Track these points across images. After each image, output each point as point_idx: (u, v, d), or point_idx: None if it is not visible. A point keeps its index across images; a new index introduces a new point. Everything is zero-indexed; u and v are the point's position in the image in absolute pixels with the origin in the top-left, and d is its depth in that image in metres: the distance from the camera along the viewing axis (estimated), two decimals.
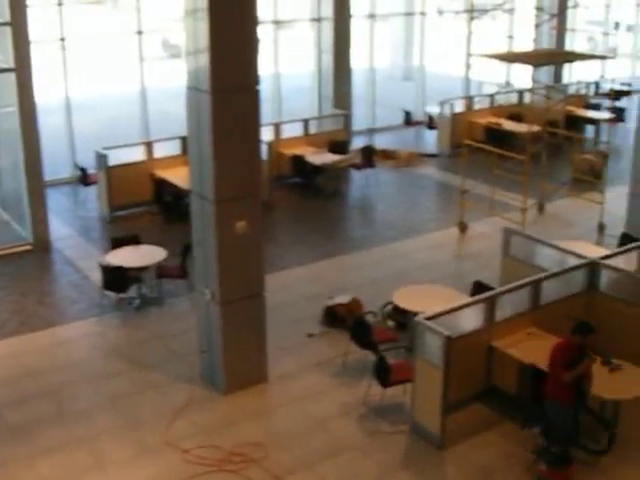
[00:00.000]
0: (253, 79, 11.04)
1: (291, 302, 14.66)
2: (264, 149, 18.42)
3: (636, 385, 10.88)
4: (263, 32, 21.47)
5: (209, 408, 11.66)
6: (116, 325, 14.07)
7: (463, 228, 18.22)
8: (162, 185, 18.79)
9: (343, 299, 13.98)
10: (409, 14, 31.82)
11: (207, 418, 11.44)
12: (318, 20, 24.25)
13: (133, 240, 15.33)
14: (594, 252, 13.71)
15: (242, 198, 11.29)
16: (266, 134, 19.04)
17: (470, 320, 11.44)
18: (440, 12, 35.12)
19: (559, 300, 12.42)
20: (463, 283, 13.98)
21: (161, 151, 19.39)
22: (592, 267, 12.71)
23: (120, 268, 14.32)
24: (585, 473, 10.33)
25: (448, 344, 10.40)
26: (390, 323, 13.49)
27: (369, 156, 21.70)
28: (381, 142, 24.68)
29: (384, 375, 11.39)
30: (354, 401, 11.81)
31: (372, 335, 12.37)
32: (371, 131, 26.30)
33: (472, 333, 11.38)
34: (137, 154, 19.21)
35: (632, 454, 10.76)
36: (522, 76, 25.56)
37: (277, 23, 24.51)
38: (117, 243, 15.25)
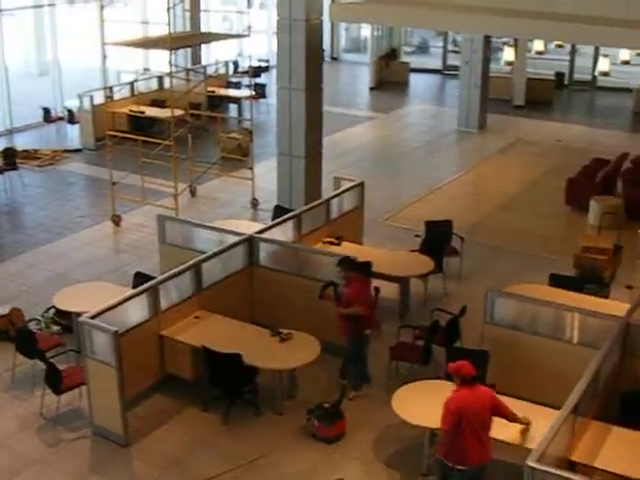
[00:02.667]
0: None
1: None
2: None
3: (306, 351, 11.23)
4: None
5: None
6: None
7: (117, 221, 17.90)
8: None
9: (2, 310, 13.31)
10: (38, 7, 30.78)
11: None
12: None
13: None
14: (250, 228, 13.94)
15: None
16: None
17: (136, 313, 11.25)
18: (71, 2, 34.24)
19: (222, 279, 12.54)
20: (125, 276, 13.81)
21: None
22: (250, 243, 12.93)
23: None
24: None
25: (116, 340, 10.17)
26: (55, 328, 13.01)
27: (11, 158, 20.74)
28: (22, 142, 23.71)
29: (56, 382, 10.98)
30: (31, 414, 11.30)
31: (37, 343, 11.86)
32: (10, 132, 25.19)
33: (139, 325, 11.20)
34: None
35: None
36: (161, 61, 25.57)
37: None
38: None
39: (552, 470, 7.70)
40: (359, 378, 11.68)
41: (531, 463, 7.64)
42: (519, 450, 8.86)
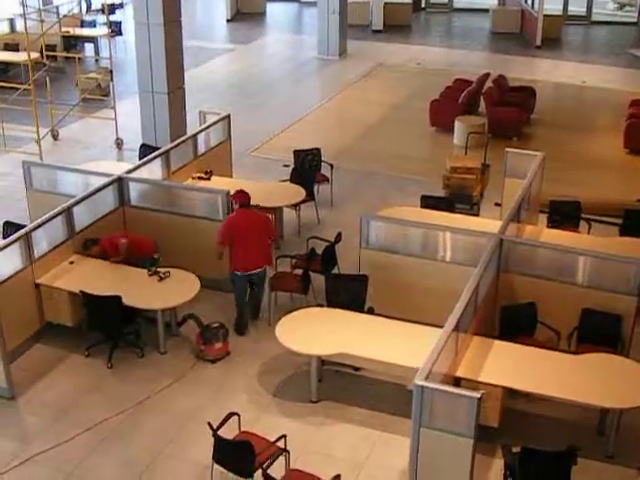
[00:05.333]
0: None
1: None
2: None
3: (186, 288, 11.20)
4: None
5: None
6: None
7: None
8: None
9: None
10: None
11: None
12: None
13: None
14: (118, 168, 13.68)
15: None
16: None
17: (9, 263, 10.94)
18: None
19: (95, 222, 12.33)
20: None
21: None
22: (119, 183, 12.73)
23: None
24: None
25: None
26: None
27: None
28: None
29: None
30: None
31: None
32: None
33: (14, 276, 10.90)
34: None
35: None
36: (11, 2, 24.78)
37: None
38: None
39: (439, 387, 7.91)
40: None
41: (419, 382, 7.82)
42: (408, 371, 9.00)
